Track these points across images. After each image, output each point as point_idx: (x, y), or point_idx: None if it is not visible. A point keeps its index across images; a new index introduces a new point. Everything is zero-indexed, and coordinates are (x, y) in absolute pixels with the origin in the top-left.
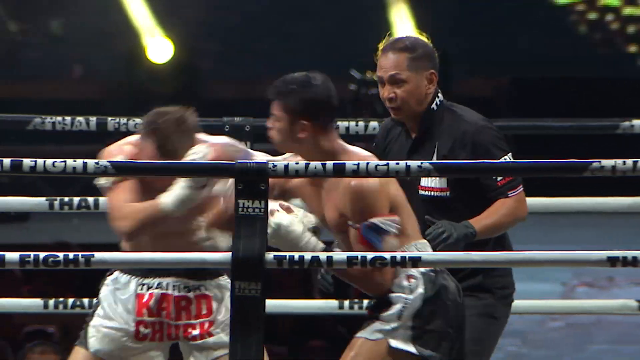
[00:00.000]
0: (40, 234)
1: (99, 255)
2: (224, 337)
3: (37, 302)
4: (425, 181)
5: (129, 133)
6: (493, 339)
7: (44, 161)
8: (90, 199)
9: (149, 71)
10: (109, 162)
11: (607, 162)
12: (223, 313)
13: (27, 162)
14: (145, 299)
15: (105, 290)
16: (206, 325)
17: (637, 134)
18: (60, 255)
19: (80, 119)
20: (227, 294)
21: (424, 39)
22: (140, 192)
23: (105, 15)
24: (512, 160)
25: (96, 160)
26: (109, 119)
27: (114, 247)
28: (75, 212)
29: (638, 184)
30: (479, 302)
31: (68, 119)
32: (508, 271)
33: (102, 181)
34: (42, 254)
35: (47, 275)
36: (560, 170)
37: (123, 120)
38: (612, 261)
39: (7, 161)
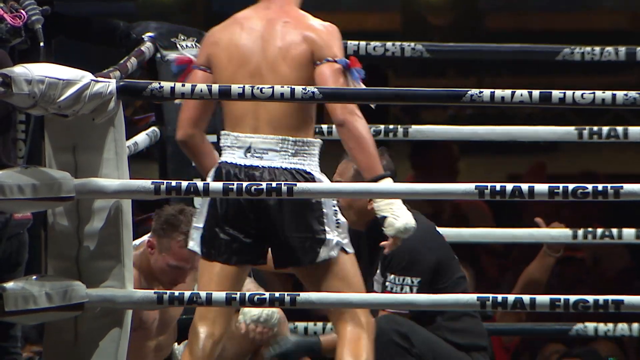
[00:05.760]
0: (569, 165)
1: (628, 187)
2: None
3: (565, 232)
4: None
5: None
6: None
7: (573, 93)
8: (620, 129)
9: None
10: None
11: None
12: None
13: (556, 93)
14: None
15: None
16: None
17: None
18: (589, 186)
19: (609, 49)
20: None
21: None
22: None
23: None
24: None
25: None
26: (638, 48)
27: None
28: (604, 142)
29: None
30: None
31: (597, 49)
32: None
33: None
34: (570, 186)
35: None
36: None
37: None
38: None
39: (536, 93)
